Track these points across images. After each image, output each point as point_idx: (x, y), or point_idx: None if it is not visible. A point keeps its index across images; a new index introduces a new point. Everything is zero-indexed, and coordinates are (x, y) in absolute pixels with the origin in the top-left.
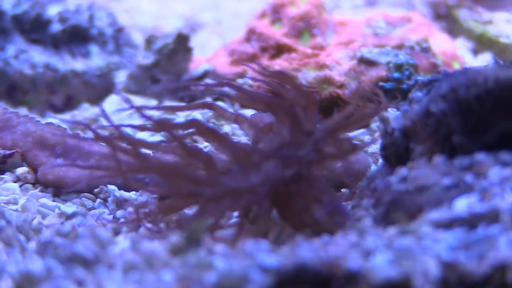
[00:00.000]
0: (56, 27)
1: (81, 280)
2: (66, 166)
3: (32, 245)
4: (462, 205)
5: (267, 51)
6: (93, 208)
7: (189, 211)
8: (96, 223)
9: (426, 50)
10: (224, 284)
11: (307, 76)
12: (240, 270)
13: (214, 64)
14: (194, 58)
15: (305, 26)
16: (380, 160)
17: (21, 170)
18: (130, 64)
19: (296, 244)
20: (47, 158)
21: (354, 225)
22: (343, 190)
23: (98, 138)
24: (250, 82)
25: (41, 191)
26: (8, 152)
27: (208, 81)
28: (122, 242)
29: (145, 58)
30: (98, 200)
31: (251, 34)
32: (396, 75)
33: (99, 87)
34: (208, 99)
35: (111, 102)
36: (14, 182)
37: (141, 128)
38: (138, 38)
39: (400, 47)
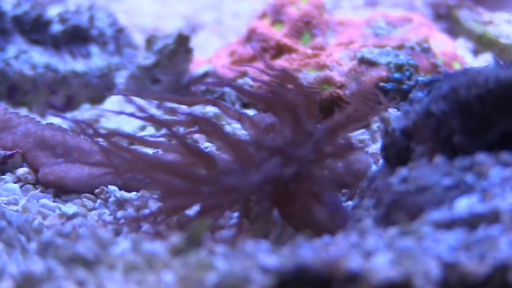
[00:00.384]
0: (56, 28)
1: (82, 281)
2: (66, 164)
3: (33, 245)
4: (463, 205)
5: (267, 52)
6: (94, 208)
7: (189, 211)
8: (97, 224)
9: (426, 50)
10: (225, 285)
11: (307, 76)
12: (241, 270)
13: (215, 64)
14: (195, 59)
15: (306, 27)
16: (381, 161)
17: (22, 170)
18: (131, 64)
19: (296, 244)
20: (48, 158)
21: (355, 225)
22: (344, 190)
23: (98, 136)
24: (250, 82)
25: (41, 191)
26: (9, 152)
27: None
28: (123, 242)
29: (145, 59)
30: (99, 201)
31: (252, 35)
32: (396, 75)
33: (99, 88)
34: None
35: (112, 103)
36: (15, 182)
37: (145, 119)
38: (138, 38)
39: (400, 47)
